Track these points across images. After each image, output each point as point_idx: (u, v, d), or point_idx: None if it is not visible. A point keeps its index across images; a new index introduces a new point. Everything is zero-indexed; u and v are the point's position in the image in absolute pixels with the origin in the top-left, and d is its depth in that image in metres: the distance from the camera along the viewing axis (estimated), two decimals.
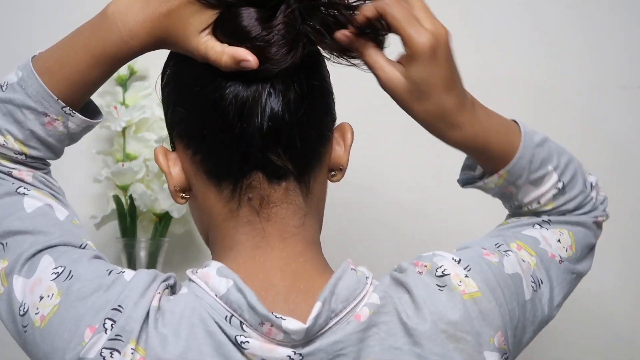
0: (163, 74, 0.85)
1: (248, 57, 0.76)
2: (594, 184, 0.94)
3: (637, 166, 1.49)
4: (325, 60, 0.83)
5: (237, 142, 0.78)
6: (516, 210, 0.94)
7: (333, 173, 0.85)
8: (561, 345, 1.44)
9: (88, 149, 1.38)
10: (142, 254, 1.31)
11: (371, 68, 0.80)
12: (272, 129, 0.77)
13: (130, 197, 1.31)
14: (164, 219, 1.34)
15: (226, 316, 0.75)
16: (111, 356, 0.74)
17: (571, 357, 1.46)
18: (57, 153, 0.88)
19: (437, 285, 0.79)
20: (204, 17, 0.77)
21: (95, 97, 1.33)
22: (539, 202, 0.90)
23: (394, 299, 0.78)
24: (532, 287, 0.85)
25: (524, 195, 0.90)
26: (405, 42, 0.78)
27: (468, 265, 0.81)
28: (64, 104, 0.83)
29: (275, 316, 0.74)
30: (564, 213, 0.92)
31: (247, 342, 0.74)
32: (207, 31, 0.78)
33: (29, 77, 0.83)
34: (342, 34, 0.79)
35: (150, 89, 1.35)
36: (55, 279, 0.78)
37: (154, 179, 1.32)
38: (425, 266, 0.81)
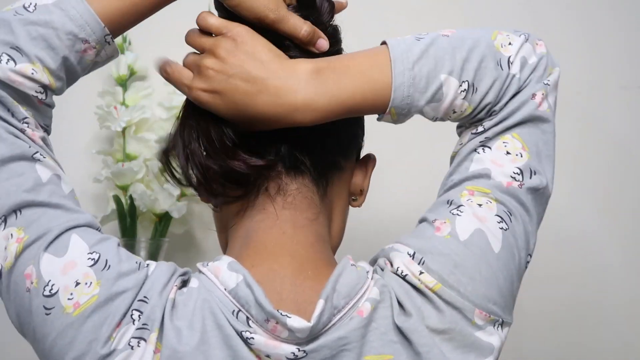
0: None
1: (324, 43, 0.82)
2: (513, 55, 0.81)
3: (637, 166, 1.49)
4: None
5: (261, 135, 0.81)
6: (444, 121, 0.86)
7: (354, 197, 0.90)
8: (563, 344, 1.44)
9: (88, 149, 1.38)
10: (142, 254, 1.31)
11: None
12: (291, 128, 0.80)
13: (130, 197, 1.31)
14: (164, 219, 1.34)
15: (233, 311, 0.76)
16: (138, 345, 0.74)
17: (571, 356, 1.46)
18: (68, 86, 0.82)
19: (404, 283, 0.79)
20: None
21: (95, 97, 1.35)
22: (454, 111, 0.82)
23: (391, 293, 0.78)
24: (501, 228, 0.79)
25: (434, 111, 0.81)
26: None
27: (422, 259, 0.78)
28: (108, 32, 0.79)
29: (281, 314, 0.75)
30: (492, 110, 0.81)
31: (253, 337, 0.75)
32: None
33: (76, 2, 0.78)
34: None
35: (150, 89, 1.35)
36: (92, 265, 0.75)
37: (154, 179, 1.33)
38: (390, 264, 0.81)
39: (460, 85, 0.80)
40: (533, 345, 1.43)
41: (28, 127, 0.77)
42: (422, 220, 0.83)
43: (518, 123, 0.82)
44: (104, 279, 0.74)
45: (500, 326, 0.79)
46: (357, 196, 0.90)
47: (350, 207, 0.91)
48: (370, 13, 1.44)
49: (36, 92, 0.77)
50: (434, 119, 0.83)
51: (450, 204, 0.81)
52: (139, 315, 0.74)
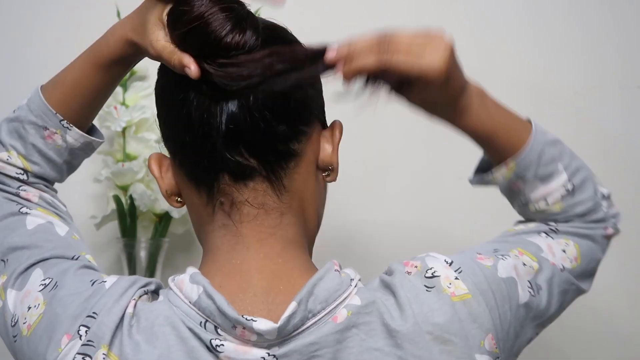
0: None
1: (190, 66, 0.77)
2: (605, 195, 0.93)
3: (636, 166, 1.48)
4: None
5: (202, 145, 0.79)
6: (523, 209, 0.93)
7: (326, 173, 0.85)
8: (563, 345, 1.44)
9: None
10: (142, 254, 1.31)
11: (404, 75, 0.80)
12: (231, 128, 0.78)
13: (130, 197, 1.31)
14: (164, 219, 1.34)
15: (201, 322, 0.76)
16: None
17: (571, 353, 1.46)
18: (59, 171, 0.92)
19: (425, 286, 0.78)
20: (157, 10, 0.79)
21: None
22: (546, 201, 0.89)
23: (379, 300, 0.77)
24: (530, 292, 0.84)
25: (531, 190, 0.89)
26: (415, 78, 0.78)
27: (459, 268, 0.80)
28: (62, 117, 0.89)
29: (246, 319, 0.74)
30: (572, 219, 0.90)
31: (222, 345, 0.75)
32: (163, 31, 0.79)
33: (34, 95, 0.90)
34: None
35: (150, 89, 1.35)
36: (42, 289, 0.81)
37: (154, 179, 1.32)
38: (416, 267, 0.80)
39: (567, 183, 0.89)
40: (531, 345, 1.43)
41: (22, 191, 0.89)
42: (462, 252, 0.85)
43: (585, 236, 0.91)
44: (49, 298, 0.80)
45: None
46: (328, 171, 0.85)
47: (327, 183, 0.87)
48: (369, 13, 1.44)
49: (17, 173, 0.89)
50: (523, 202, 0.91)
51: (497, 251, 0.85)
52: (86, 331, 0.76)
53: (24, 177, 0.89)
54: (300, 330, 0.76)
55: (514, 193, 0.91)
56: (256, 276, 0.79)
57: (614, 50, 1.50)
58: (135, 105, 1.34)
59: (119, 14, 1.33)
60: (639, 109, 1.50)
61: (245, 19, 0.78)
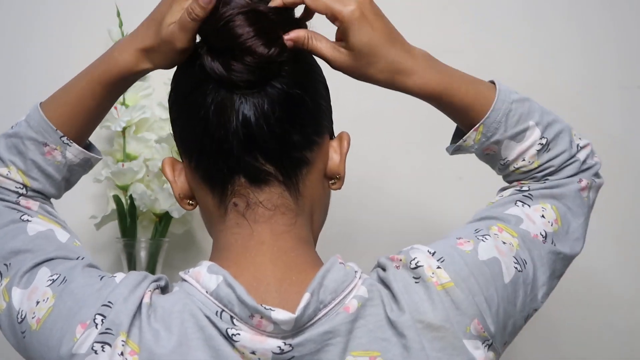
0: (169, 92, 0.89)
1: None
2: (581, 145, 0.94)
3: (635, 166, 1.49)
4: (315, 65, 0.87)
5: (219, 148, 0.81)
6: (505, 172, 0.94)
7: (332, 181, 0.88)
8: (562, 344, 1.44)
9: None
10: (142, 254, 1.31)
11: (318, 56, 0.85)
12: (248, 135, 0.80)
13: (130, 197, 1.31)
14: (164, 219, 1.34)
15: (217, 311, 0.77)
16: (102, 349, 0.77)
17: (570, 350, 1.46)
18: (57, 187, 0.93)
19: (413, 277, 0.81)
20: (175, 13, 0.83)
21: None
22: (523, 159, 0.91)
23: (381, 292, 0.80)
24: (516, 268, 0.85)
25: (507, 151, 0.91)
26: (333, 18, 0.82)
27: (442, 257, 0.82)
28: (62, 134, 0.90)
29: (265, 308, 0.76)
30: (548, 173, 0.91)
31: (238, 334, 0.76)
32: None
33: (33, 112, 0.91)
34: (288, 40, 0.82)
35: (150, 89, 1.36)
36: (50, 284, 0.82)
37: (154, 179, 1.33)
38: (400, 260, 0.83)
39: (541, 139, 0.90)
40: (534, 340, 1.43)
41: (22, 200, 0.91)
42: (445, 237, 0.87)
43: (560, 195, 0.91)
44: (59, 291, 0.81)
45: (488, 347, 0.81)
46: (334, 180, 0.88)
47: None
48: None
49: (16, 187, 0.91)
50: (502, 164, 0.92)
51: (478, 231, 0.86)
52: (102, 320, 0.78)
53: (23, 191, 0.91)
54: (313, 321, 0.78)
55: (491, 157, 0.93)
56: (270, 267, 0.81)
57: (614, 50, 1.50)
58: (135, 105, 1.34)
59: (119, 14, 1.33)
60: (639, 109, 1.50)
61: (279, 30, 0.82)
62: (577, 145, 0.93)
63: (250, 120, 0.80)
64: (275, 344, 0.76)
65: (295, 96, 0.82)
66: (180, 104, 0.86)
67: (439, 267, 0.81)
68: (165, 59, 0.86)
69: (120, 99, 1.34)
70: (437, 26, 1.46)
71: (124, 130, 1.33)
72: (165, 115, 1.34)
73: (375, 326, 0.79)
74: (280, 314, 0.76)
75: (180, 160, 0.88)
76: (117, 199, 1.31)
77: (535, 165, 0.91)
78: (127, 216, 1.32)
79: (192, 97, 0.83)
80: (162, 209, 1.32)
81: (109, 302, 0.78)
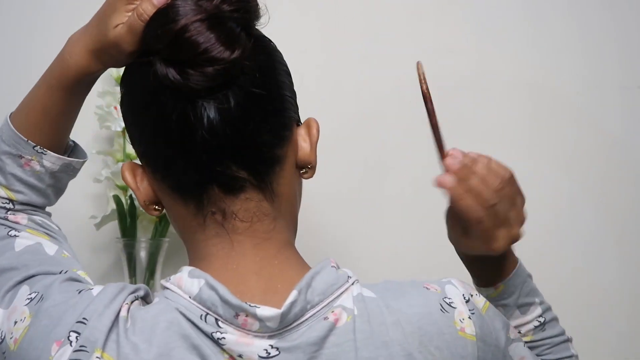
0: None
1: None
2: (569, 338, 0.96)
3: (636, 166, 1.49)
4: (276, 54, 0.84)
5: (187, 160, 0.78)
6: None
7: (304, 171, 0.84)
8: None
9: (88, 149, 1.37)
10: (142, 254, 1.31)
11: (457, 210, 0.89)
12: (213, 141, 0.77)
13: (130, 197, 1.32)
14: (164, 219, 1.34)
15: (201, 315, 0.76)
16: None
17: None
18: (44, 196, 0.92)
19: (440, 304, 0.81)
20: (121, 14, 0.82)
21: (96, 98, 1.35)
22: (520, 331, 0.93)
23: (376, 305, 0.79)
24: None
25: (509, 318, 0.93)
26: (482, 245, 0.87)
27: (473, 309, 0.83)
28: (34, 144, 0.89)
29: (250, 305, 0.74)
30: (543, 354, 0.94)
31: (224, 337, 0.74)
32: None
33: (4, 125, 0.91)
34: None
35: None
36: (28, 303, 0.81)
37: None
38: (436, 290, 0.83)
39: (540, 317, 0.94)
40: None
41: (11, 214, 0.90)
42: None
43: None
44: (35, 310, 0.79)
45: None
46: (307, 170, 0.84)
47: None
48: (369, 16, 1.44)
49: (2, 203, 0.90)
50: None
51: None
52: (77, 337, 0.75)
53: (10, 205, 0.90)
54: (300, 321, 0.76)
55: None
56: (254, 278, 0.79)
57: (614, 50, 1.50)
58: None
59: None
60: (639, 109, 1.50)
61: (240, 32, 0.78)
62: (568, 336, 0.96)
63: (217, 128, 0.77)
64: (262, 345, 0.75)
65: (259, 95, 0.78)
66: (137, 113, 0.82)
67: (469, 317, 0.82)
68: (115, 61, 0.84)
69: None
70: (437, 26, 1.46)
71: (124, 130, 1.33)
72: None
73: (363, 344, 0.76)
74: (266, 310, 0.74)
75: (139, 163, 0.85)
76: (117, 199, 1.31)
77: (527, 339, 0.93)
78: (127, 216, 1.32)
79: (150, 108, 0.79)
80: None
81: (84, 318, 0.76)
